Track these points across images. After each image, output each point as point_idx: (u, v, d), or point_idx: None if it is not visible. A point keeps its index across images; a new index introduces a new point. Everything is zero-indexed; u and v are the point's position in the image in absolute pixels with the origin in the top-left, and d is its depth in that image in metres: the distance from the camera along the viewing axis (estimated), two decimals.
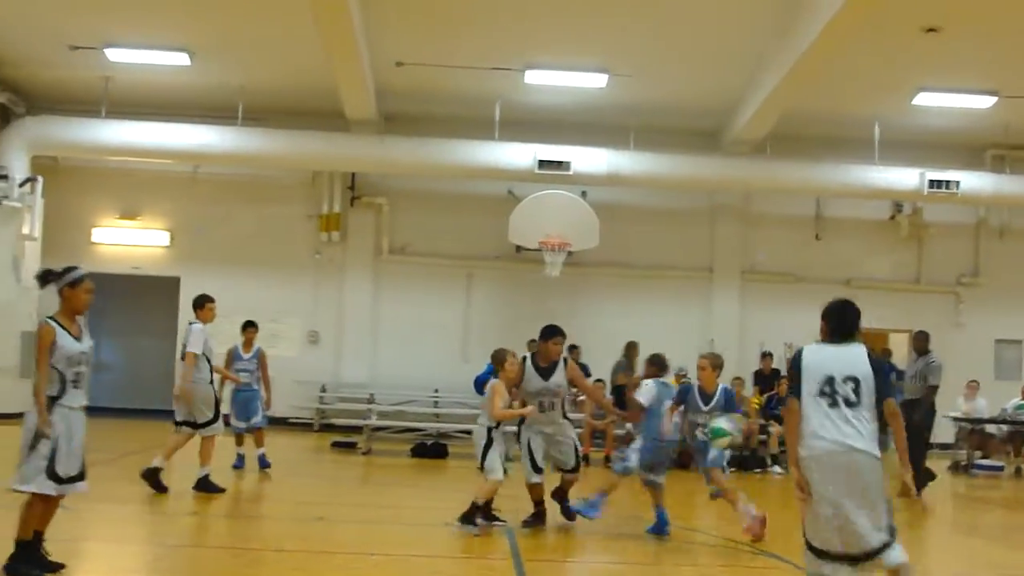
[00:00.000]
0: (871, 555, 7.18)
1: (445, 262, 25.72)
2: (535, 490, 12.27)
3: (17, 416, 9.74)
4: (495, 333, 23.54)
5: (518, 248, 23.48)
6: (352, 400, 24.35)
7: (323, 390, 25.26)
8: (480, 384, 21.75)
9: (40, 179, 23.47)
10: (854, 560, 7.20)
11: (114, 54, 21.94)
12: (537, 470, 12.16)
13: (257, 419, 16.37)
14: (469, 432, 22.19)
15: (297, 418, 24.68)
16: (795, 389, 7.45)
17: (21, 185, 22.91)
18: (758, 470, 20.43)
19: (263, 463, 16.22)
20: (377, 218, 25.87)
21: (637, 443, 12.17)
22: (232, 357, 16.44)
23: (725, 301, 26.10)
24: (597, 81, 22.44)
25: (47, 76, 23.52)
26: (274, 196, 25.79)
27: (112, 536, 11.00)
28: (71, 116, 23.67)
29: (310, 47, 19.96)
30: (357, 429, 21.71)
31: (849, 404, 7.31)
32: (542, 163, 23.22)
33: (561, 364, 12.27)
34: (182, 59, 22.03)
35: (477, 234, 25.28)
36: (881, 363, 7.69)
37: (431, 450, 20.47)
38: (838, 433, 7.22)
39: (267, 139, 23.56)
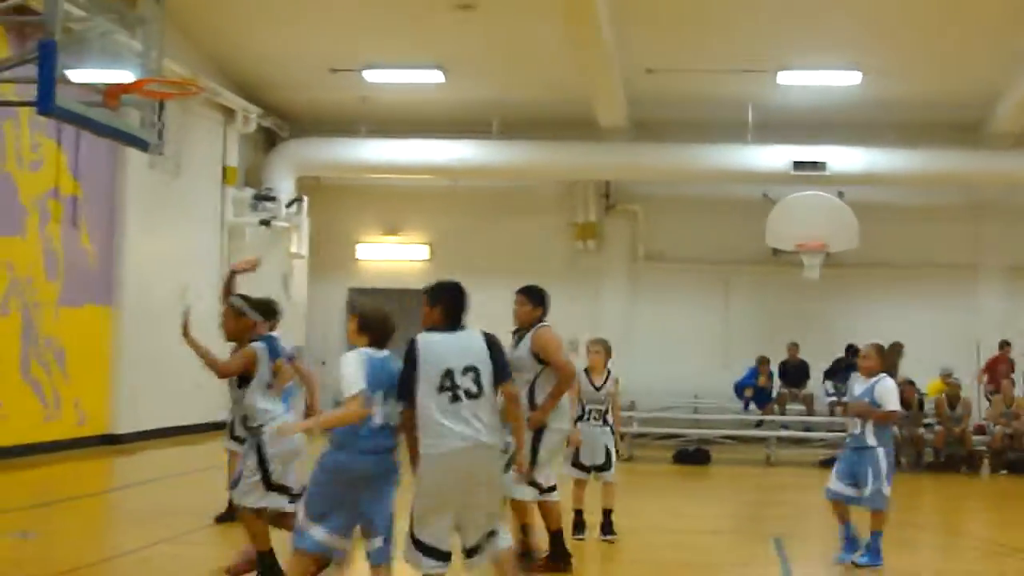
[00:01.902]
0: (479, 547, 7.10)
1: (701, 267, 25.57)
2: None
3: None
4: (754, 338, 23.37)
5: (775, 251, 23.23)
6: None
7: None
8: (740, 388, 21.67)
9: (305, 199, 24.42)
10: (469, 552, 7.13)
11: (371, 75, 22.63)
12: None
13: None
14: (731, 438, 22.34)
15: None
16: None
17: (288, 205, 23.87)
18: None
19: None
20: (632, 225, 25.94)
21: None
22: None
23: (991, 299, 25.22)
24: (850, 79, 22.03)
25: (309, 99, 24.41)
26: (530, 207, 26.11)
27: None
28: (332, 136, 24.56)
29: (562, 58, 20.18)
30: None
31: (470, 396, 7.07)
32: (797, 164, 22.95)
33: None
34: (437, 76, 22.57)
35: (733, 238, 25.05)
36: (497, 346, 7.40)
37: (693, 456, 20.42)
38: (465, 428, 6.98)
39: (521, 151, 23.99)
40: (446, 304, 7.46)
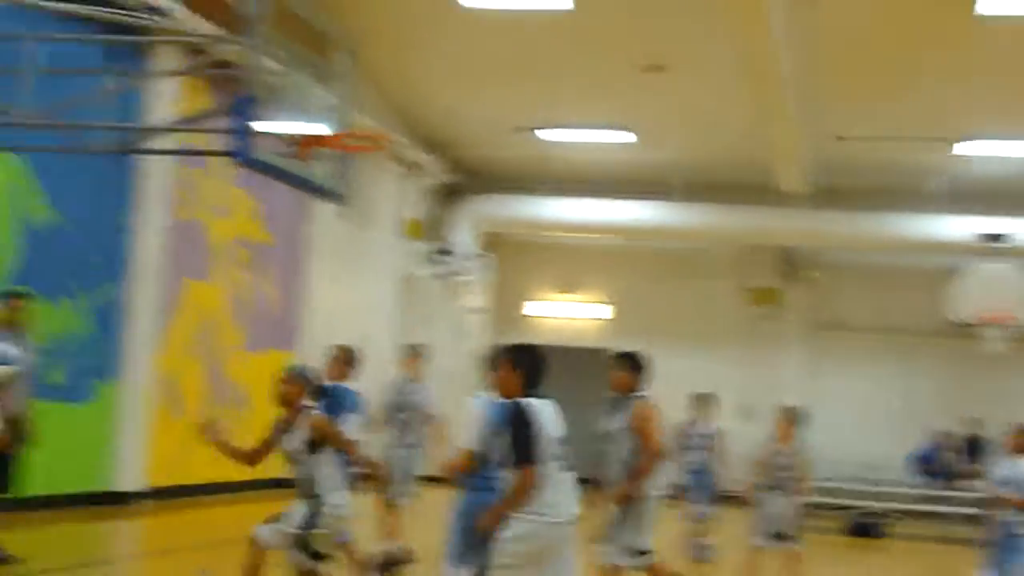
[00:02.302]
0: None
1: (881, 337, 25.14)
2: None
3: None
4: (932, 411, 22.84)
5: (957, 324, 22.66)
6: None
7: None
8: (921, 461, 21.11)
9: (486, 255, 24.75)
10: None
11: (555, 134, 22.85)
12: None
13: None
14: (907, 512, 21.81)
15: (733, 492, 24.51)
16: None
17: (468, 260, 24.18)
18: None
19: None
20: (811, 292, 25.65)
21: None
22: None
23: None
24: None
25: (492, 156, 24.70)
26: (708, 270, 26.01)
27: None
28: (513, 194, 24.83)
29: (748, 122, 20.07)
30: None
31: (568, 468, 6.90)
32: (982, 236, 22.42)
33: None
34: (621, 137, 22.67)
35: (915, 309, 24.57)
36: None
37: (867, 529, 20.01)
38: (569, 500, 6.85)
39: (702, 214, 23.97)
40: (532, 368, 7.05)
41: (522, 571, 6.76)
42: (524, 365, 7.02)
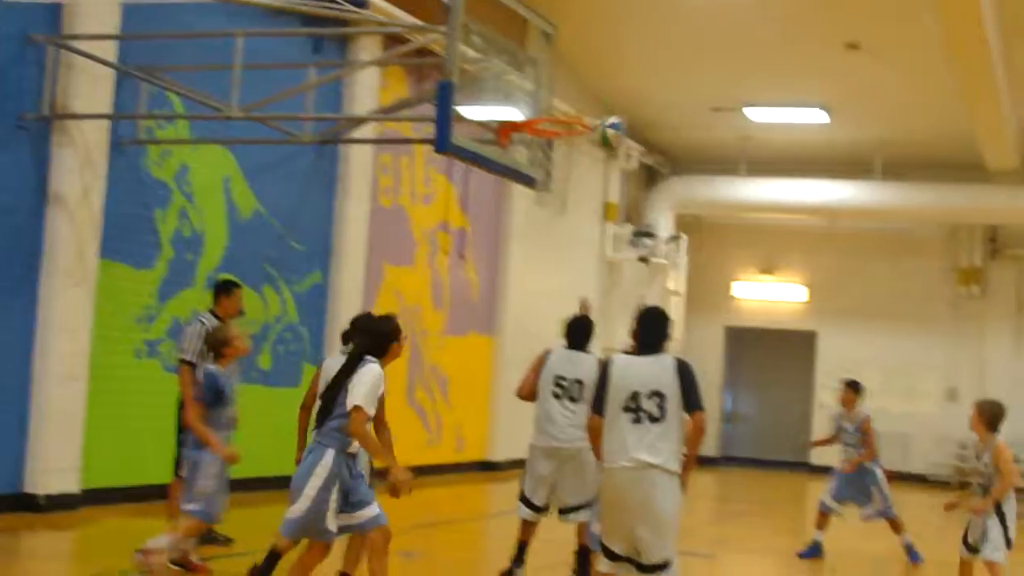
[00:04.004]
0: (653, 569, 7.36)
1: None
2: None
3: None
4: None
5: None
6: None
7: (963, 447, 24.47)
8: None
9: (684, 237, 24.60)
10: (641, 568, 7.42)
11: (753, 113, 22.59)
12: None
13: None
14: None
15: (936, 476, 24.03)
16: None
17: (667, 243, 24.07)
18: None
19: (913, 556, 12.94)
20: (1019, 272, 24.85)
21: None
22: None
23: None
24: None
25: (689, 137, 24.57)
26: (910, 250, 25.47)
27: None
28: (712, 175, 24.66)
29: (949, 98, 19.55)
30: None
31: (653, 420, 7.38)
32: None
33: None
34: (820, 116, 22.30)
35: None
36: (689, 374, 7.50)
37: None
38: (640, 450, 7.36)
39: (904, 193, 23.50)
40: (642, 328, 7.76)
41: (608, 511, 7.63)
42: (639, 325, 7.78)
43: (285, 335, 15.37)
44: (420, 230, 18.20)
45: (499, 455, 20.10)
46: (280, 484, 8.57)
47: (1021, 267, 24.93)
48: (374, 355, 7.50)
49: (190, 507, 8.54)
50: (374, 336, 7.66)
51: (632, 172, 24.56)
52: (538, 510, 9.86)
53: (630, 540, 7.39)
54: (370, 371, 7.35)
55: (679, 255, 24.52)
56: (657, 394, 7.40)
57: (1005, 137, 21.27)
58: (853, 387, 13.32)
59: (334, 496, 7.32)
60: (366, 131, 14.75)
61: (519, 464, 20.26)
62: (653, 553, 7.35)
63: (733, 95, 22.01)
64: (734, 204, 24.88)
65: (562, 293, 22.00)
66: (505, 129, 10.84)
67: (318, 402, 7.74)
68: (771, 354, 27.47)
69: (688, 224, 25.46)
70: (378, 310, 10.28)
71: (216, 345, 8.86)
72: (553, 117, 12.41)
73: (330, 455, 7.32)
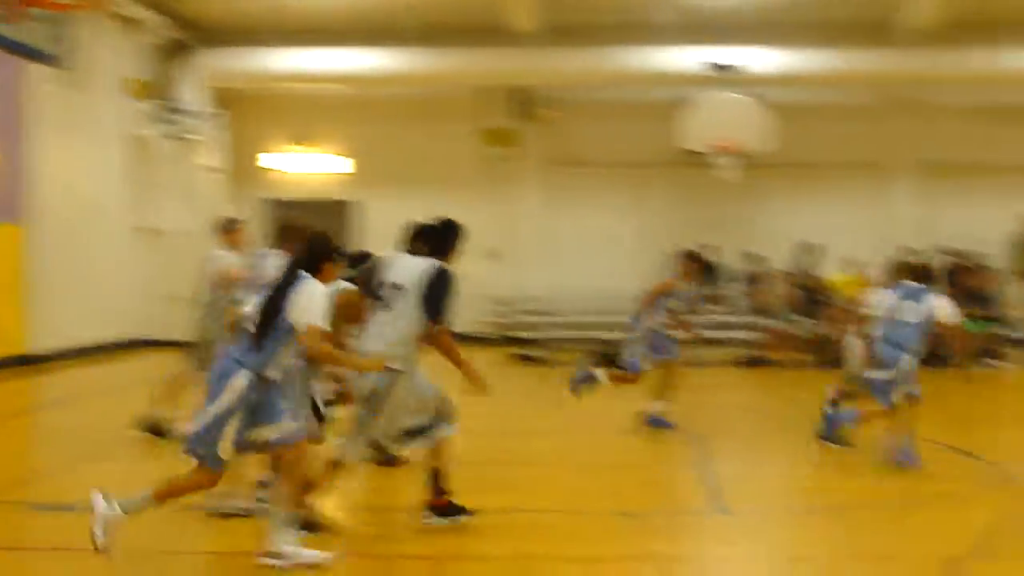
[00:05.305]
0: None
1: (617, 171, 25.58)
2: None
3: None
4: (671, 240, 23.45)
5: (690, 153, 23.13)
6: (534, 312, 24.62)
7: (502, 304, 25.42)
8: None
9: (219, 112, 24.08)
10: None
11: None
12: None
13: None
14: None
15: (480, 333, 24.82)
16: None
17: (199, 118, 23.49)
18: None
19: None
20: (548, 131, 25.81)
21: None
22: None
23: (903, 198, 25.50)
24: None
25: (218, 8, 23.80)
26: (443, 114, 25.83)
27: None
28: (242, 47, 24.08)
29: None
30: (537, 342, 21.96)
31: (385, 309, 8.11)
32: (711, 65, 22.87)
33: None
34: None
35: (649, 141, 24.88)
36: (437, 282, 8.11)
37: (612, 360, 20.53)
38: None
39: (432, 58, 23.66)
40: (423, 233, 8.49)
41: None
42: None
43: None
44: None
45: (39, 347, 19.28)
46: None
47: (550, 126, 25.72)
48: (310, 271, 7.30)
49: None
50: (313, 254, 7.45)
51: (160, 46, 23.70)
52: None
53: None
54: (315, 289, 7.22)
55: (213, 131, 23.99)
56: (396, 286, 8.06)
57: (525, 2, 21.91)
58: None
59: (234, 422, 7.03)
60: None
61: (63, 355, 19.62)
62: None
63: None
64: (267, 75, 24.39)
65: (90, 175, 21.21)
66: (17, 3, 10.19)
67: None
68: (317, 224, 27.38)
69: (222, 98, 24.81)
70: None
71: None
72: None
73: (244, 377, 7.03)
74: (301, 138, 26.28)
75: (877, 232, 24.42)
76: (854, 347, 12.01)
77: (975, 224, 23.90)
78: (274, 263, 8.44)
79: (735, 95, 22.55)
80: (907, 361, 10.75)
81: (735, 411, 15.77)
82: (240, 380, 7.01)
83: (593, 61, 23.55)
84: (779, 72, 23.26)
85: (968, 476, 10.75)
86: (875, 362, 10.86)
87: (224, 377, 7.05)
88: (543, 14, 23.01)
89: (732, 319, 22.86)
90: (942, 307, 10.84)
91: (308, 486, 7.62)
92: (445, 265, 8.20)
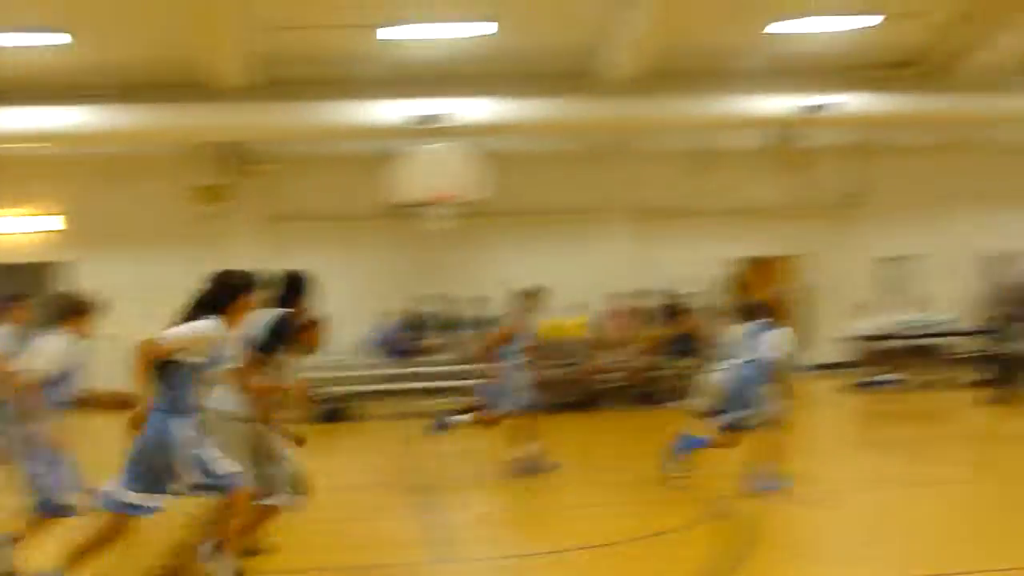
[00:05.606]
0: None
1: (331, 224, 25.71)
2: None
3: None
4: (386, 292, 23.68)
5: (401, 205, 23.14)
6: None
7: None
8: (380, 342, 21.63)
9: None
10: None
11: None
12: None
13: None
14: (371, 392, 22.36)
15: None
16: None
17: None
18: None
19: None
20: (263, 185, 25.70)
21: None
22: None
23: (619, 241, 26.25)
24: (481, 30, 22.37)
25: None
26: (154, 172, 25.47)
27: None
28: None
29: (181, 19, 19.70)
30: None
31: None
32: (417, 118, 23.08)
33: None
34: (60, 39, 21.62)
35: (360, 194, 25.00)
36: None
37: (333, 415, 20.73)
38: None
39: (138, 115, 23.22)
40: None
41: None
42: None
43: None
44: None
45: None
46: None
47: (265, 180, 25.60)
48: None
49: None
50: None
51: None
52: None
53: None
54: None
55: None
56: None
57: (233, 54, 21.77)
58: None
59: None
60: None
61: None
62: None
63: None
64: None
65: None
66: None
67: None
68: (23, 288, 26.51)
69: None
70: None
71: None
72: None
73: None
74: (14, 199, 25.47)
75: (596, 276, 25.01)
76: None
77: (685, 266, 24.81)
78: None
79: (446, 145, 22.78)
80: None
81: (459, 460, 15.86)
82: None
83: (303, 115, 23.52)
84: (489, 121, 23.58)
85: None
86: None
87: None
88: (250, 69, 22.85)
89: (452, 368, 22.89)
90: None
91: None
92: None
